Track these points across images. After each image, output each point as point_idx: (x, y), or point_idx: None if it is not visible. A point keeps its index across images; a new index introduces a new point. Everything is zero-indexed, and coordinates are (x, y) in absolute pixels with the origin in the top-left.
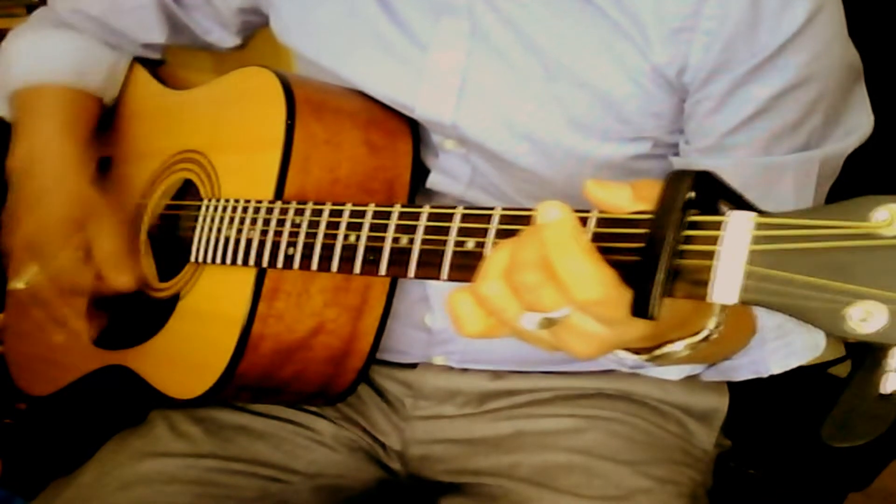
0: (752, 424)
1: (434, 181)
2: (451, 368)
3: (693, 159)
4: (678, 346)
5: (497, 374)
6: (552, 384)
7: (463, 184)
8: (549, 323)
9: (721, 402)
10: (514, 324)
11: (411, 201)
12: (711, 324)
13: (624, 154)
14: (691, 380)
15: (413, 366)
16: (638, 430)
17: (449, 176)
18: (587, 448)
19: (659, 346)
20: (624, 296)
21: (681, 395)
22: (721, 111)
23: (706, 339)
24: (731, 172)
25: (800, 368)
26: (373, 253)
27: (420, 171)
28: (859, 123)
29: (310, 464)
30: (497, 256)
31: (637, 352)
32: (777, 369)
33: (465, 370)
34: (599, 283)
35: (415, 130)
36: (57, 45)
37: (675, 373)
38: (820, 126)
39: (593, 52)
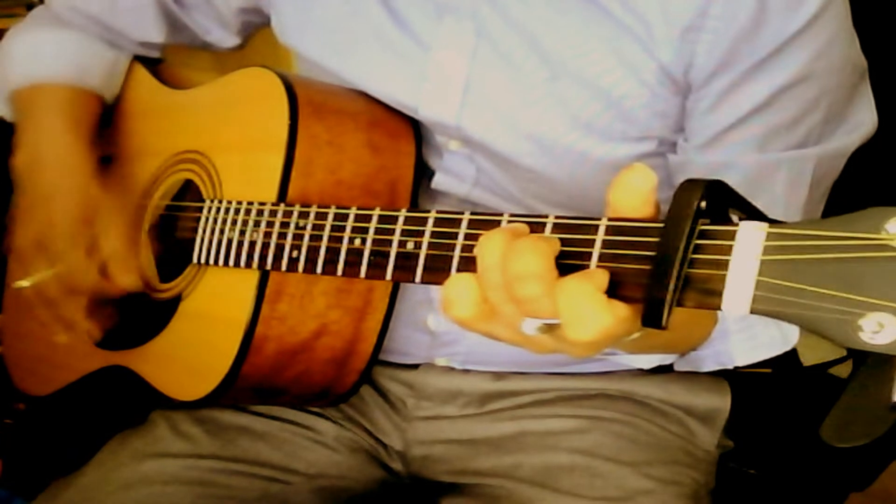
0: (753, 425)
1: (439, 181)
2: (452, 369)
3: (689, 156)
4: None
5: (499, 375)
6: (554, 385)
7: (468, 184)
8: (548, 329)
9: (723, 403)
10: (515, 327)
11: (415, 202)
12: None
13: (629, 153)
14: (693, 380)
15: (415, 366)
16: (640, 431)
17: (454, 176)
18: (589, 449)
19: None
20: (623, 323)
21: (683, 396)
22: (719, 107)
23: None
24: (725, 168)
25: (800, 369)
26: (379, 257)
27: (424, 172)
28: (862, 121)
29: (311, 464)
30: (492, 249)
31: None
32: (742, 361)
33: (466, 371)
34: (595, 326)
35: (417, 131)
36: (56, 43)
37: (644, 362)
38: (820, 123)
39: (599, 52)
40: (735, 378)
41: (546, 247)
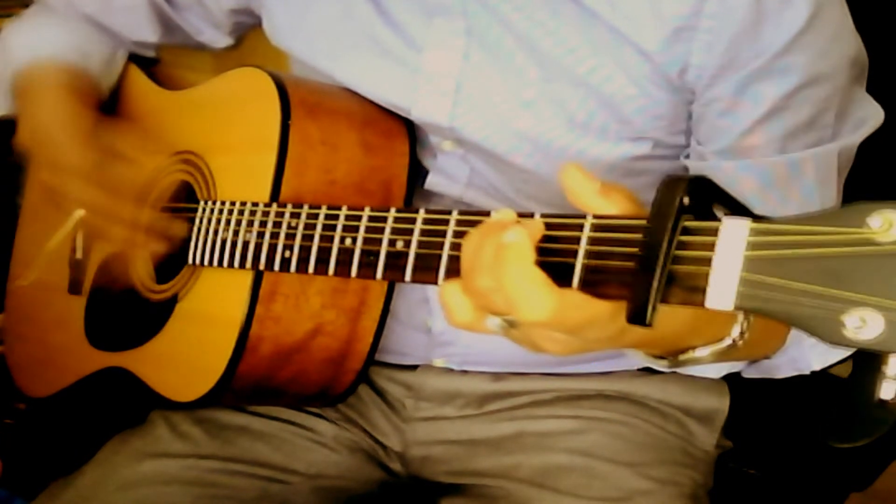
0: (753, 425)
1: (432, 182)
2: (451, 370)
3: (711, 161)
4: (702, 353)
5: (497, 376)
6: (552, 385)
7: (461, 184)
8: (510, 325)
9: (721, 403)
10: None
11: (408, 202)
12: (735, 331)
13: (624, 154)
14: (692, 381)
15: (413, 367)
16: (638, 432)
17: (447, 177)
18: (588, 449)
19: (682, 352)
20: (577, 310)
21: (681, 396)
22: (734, 112)
23: (732, 345)
24: (753, 172)
25: None
26: (370, 256)
27: (418, 172)
28: (868, 114)
29: (310, 465)
30: (469, 250)
31: (661, 356)
32: (818, 365)
33: (465, 372)
34: (542, 308)
35: (411, 130)
36: (58, 27)
37: (713, 371)
38: (833, 121)
39: (591, 53)
40: (734, 378)
41: (499, 238)
